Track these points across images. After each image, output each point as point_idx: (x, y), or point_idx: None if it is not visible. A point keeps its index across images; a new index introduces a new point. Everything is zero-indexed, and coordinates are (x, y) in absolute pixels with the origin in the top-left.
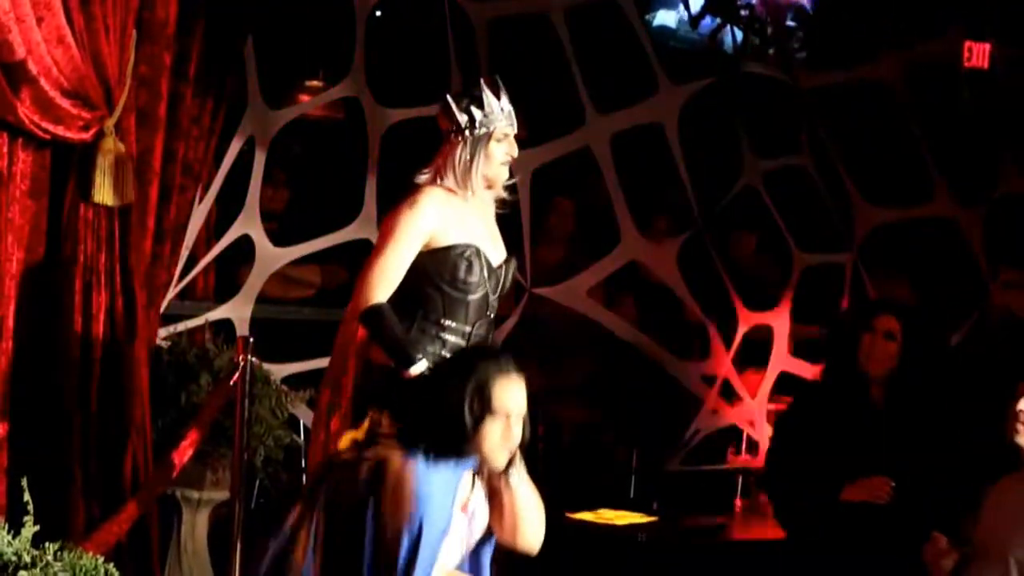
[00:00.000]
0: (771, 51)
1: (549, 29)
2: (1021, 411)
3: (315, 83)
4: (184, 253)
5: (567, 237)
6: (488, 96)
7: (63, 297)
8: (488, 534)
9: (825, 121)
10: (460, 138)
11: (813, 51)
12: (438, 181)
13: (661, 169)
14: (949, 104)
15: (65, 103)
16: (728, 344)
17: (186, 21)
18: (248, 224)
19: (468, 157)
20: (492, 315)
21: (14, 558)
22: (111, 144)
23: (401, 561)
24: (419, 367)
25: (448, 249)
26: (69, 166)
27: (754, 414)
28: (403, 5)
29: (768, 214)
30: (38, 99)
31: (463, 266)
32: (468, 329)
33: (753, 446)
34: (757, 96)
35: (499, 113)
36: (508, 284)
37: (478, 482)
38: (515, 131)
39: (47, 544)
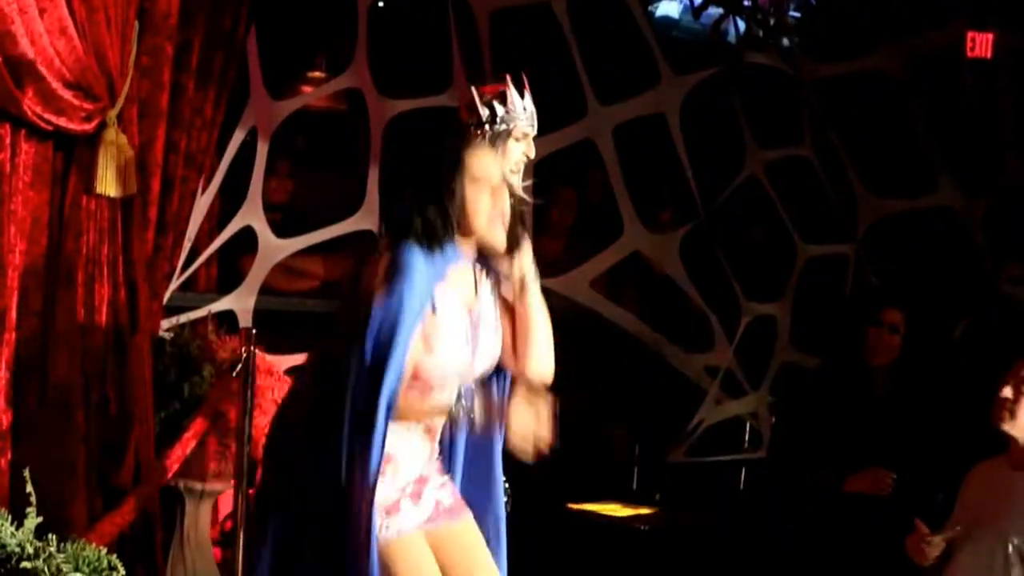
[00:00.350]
0: (773, 42)
1: (551, 19)
2: (1006, 398)
3: (317, 74)
4: (187, 244)
5: (569, 228)
6: (512, 93)
7: (65, 288)
8: (499, 375)
9: (828, 112)
10: (479, 132)
11: (816, 42)
12: None
13: (663, 160)
14: (952, 94)
15: (67, 94)
16: (731, 335)
17: (188, 11)
18: (251, 215)
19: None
20: None
21: (17, 549)
22: (113, 135)
23: (373, 329)
24: None
25: None
26: (71, 157)
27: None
28: None
29: (771, 205)
30: (40, 90)
31: None
32: None
33: (756, 438)
34: (760, 87)
35: (521, 112)
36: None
37: (485, 293)
38: (534, 132)
39: (50, 535)
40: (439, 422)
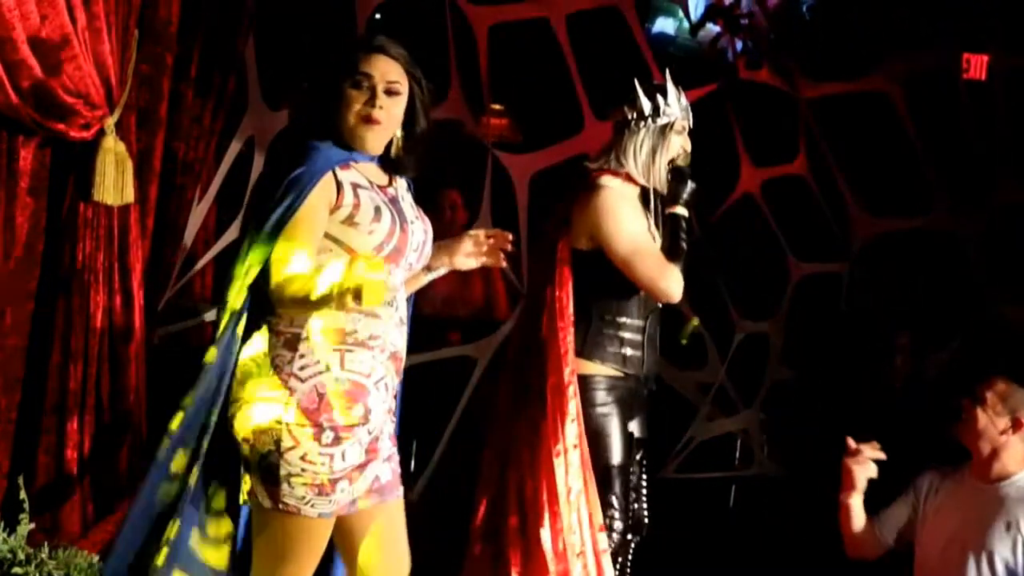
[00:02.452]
0: (770, 60)
1: (549, 34)
2: (966, 407)
3: None
4: (183, 254)
5: None
6: (672, 87)
7: (61, 295)
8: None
9: (823, 131)
10: (643, 125)
11: (813, 61)
12: (615, 166)
13: None
14: (948, 115)
15: (66, 101)
16: (724, 352)
17: (188, 21)
18: None
19: (651, 146)
20: (660, 305)
21: (9, 555)
22: (111, 143)
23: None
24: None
25: None
26: (69, 164)
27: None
28: (404, 8)
29: (765, 223)
30: (40, 97)
31: None
32: (641, 323)
33: (748, 455)
34: (756, 105)
35: (679, 105)
36: None
37: (402, 189)
38: (691, 126)
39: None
40: (400, 341)
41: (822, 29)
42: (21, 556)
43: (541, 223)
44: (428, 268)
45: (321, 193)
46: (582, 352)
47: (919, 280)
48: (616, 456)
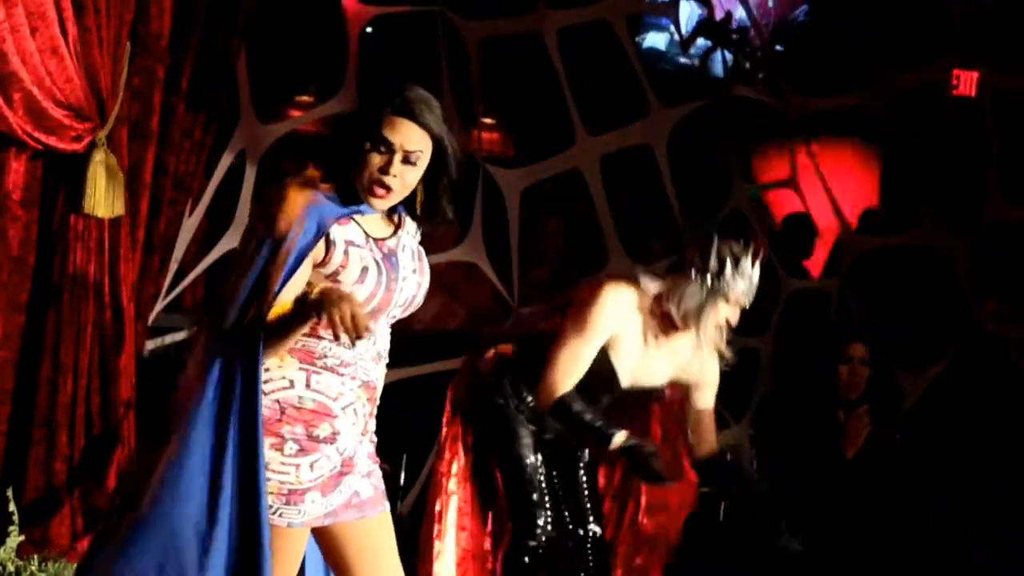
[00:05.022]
0: (761, 75)
1: (541, 48)
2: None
3: (306, 98)
4: (173, 266)
5: (555, 256)
6: (746, 260)
7: (52, 307)
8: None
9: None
10: (700, 279)
11: (803, 77)
12: (653, 293)
13: (649, 191)
14: (936, 131)
15: (58, 114)
16: None
17: (179, 34)
18: (237, 238)
19: (699, 302)
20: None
21: None
22: (103, 156)
23: (258, 264)
24: (619, 438)
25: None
26: (61, 177)
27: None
28: (395, 22)
29: (755, 238)
30: (31, 109)
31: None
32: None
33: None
34: (746, 120)
35: (747, 281)
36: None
37: (406, 237)
38: (747, 305)
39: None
40: (375, 372)
41: (813, 45)
42: (11, 568)
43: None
44: None
45: (310, 256)
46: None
47: (905, 297)
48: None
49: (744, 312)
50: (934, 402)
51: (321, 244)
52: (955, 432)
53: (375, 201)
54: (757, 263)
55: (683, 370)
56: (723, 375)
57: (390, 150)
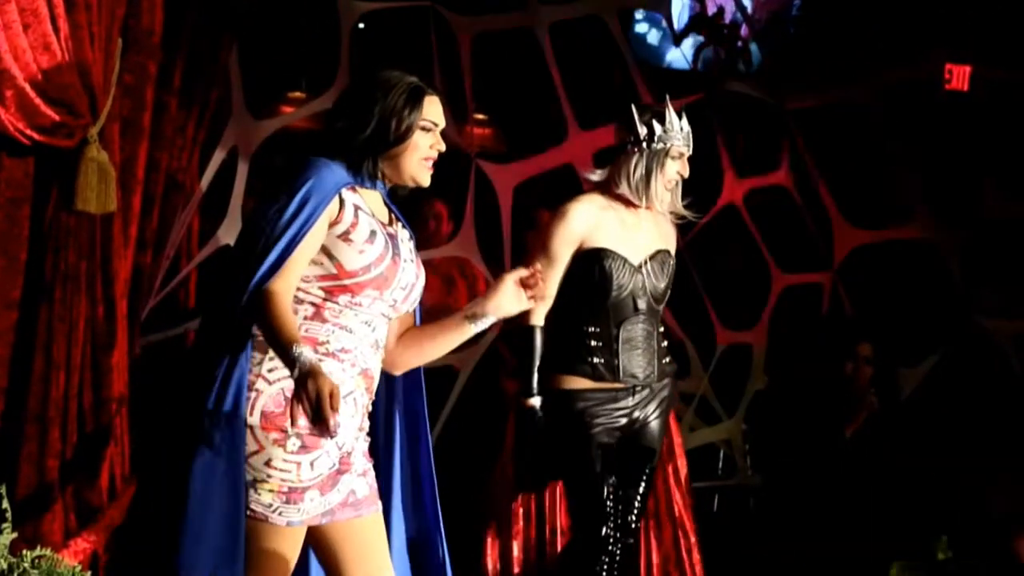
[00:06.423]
0: (753, 70)
1: (533, 44)
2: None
3: (298, 95)
4: (165, 263)
5: None
6: (670, 113)
7: (44, 304)
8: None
9: (806, 141)
10: (636, 149)
11: (796, 72)
12: (612, 188)
13: None
14: (930, 126)
15: (49, 110)
16: (706, 362)
17: (171, 30)
18: (230, 234)
19: (644, 170)
20: (645, 316)
21: None
22: (95, 152)
23: (269, 234)
24: (535, 401)
25: (588, 254)
26: (52, 173)
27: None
28: (387, 17)
29: (748, 233)
30: (22, 105)
31: (596, 269)
32: (614, 331)
33: (730, 465)
34: (739, 115)
35: (678, 131)
36: (662, 281)
37: (404, 232)
38: (690, 152)
39: (24, 551)
40: (372, 360)
41: (806, 40)
42: (3, 565)
43: (526, 233)
44: (473, 316)
45: (327, 211)
46: (553, 366)
47: (900, 292)
48: (586, 465)
49: (736, 307)
50: (930, 394)
51: (335, 201)
52: (949, 424)
53: (425, 176)
54: (680, 111)
55: (664, 240)
56: (716, 369)
57: (436, 127)
